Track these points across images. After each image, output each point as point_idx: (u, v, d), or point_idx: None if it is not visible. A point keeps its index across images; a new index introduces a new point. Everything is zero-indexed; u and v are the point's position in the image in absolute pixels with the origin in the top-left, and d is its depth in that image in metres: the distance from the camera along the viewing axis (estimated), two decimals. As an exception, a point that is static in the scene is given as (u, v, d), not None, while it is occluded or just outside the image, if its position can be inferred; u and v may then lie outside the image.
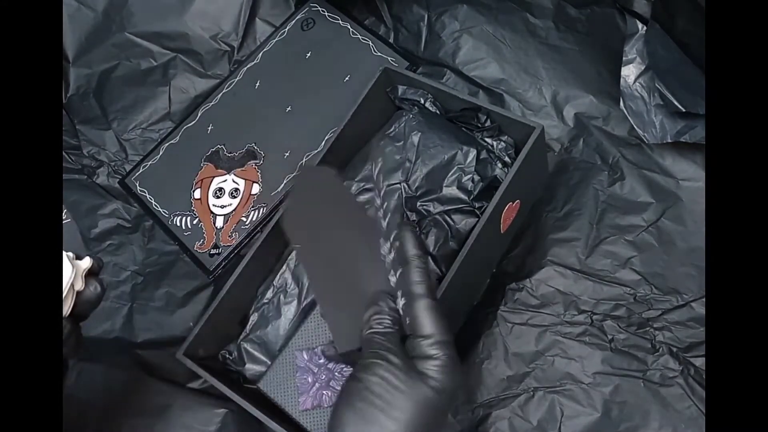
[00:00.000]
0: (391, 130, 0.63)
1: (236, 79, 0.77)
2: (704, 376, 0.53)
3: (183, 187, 0.72)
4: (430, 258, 0.55)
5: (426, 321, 0.39)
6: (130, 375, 0.61)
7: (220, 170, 0.72)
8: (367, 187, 0.60)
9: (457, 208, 0.57)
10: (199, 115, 0.76)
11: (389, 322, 0.40)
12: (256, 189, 0.70)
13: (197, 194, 0.71)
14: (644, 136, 0.61)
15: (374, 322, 0.40)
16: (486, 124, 0.60)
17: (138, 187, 0.73)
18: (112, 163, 0.75)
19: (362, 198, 0.60)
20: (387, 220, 0.42)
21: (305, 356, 0.55)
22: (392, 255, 0.42)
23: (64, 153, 0.75)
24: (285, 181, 0.70)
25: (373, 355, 0.38)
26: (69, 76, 0.75)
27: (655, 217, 0.60)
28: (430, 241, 0.56)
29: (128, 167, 0.75)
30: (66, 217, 0.49)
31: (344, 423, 0.37)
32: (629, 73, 0.62)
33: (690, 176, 0.60)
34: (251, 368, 0.59)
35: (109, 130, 0.76)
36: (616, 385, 0.54)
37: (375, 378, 0.37)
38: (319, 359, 0.55)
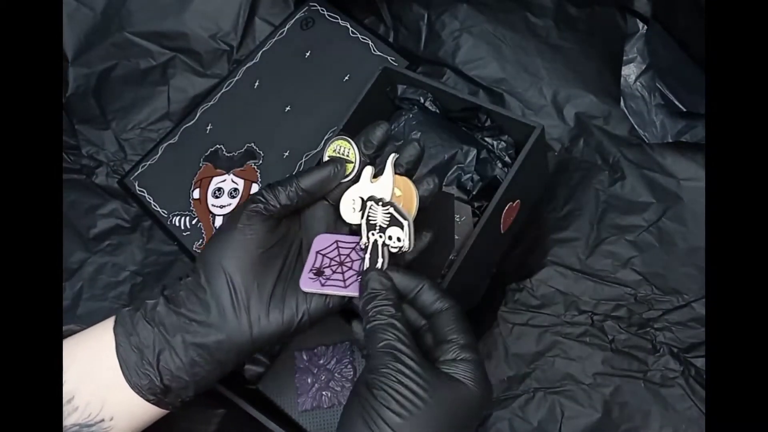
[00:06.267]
0: (391, 129, 0.63)
1: (235, 79, 0.77)
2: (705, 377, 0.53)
3: (182, 187, 0.72)
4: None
5: (455, 326, 0.38)
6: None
7: (219, 170, 0.72)
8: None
9: (457, 208, 0.57)
10: (198, 114, 0.76)
11: (391, 309, 0.38)
12: (255, 189, 0.70)
13: (196, 194, 0.71)
14: (645, 135, 0.61)
15: (374, 311, 0.38)
16: (486, 124, 0.60)
17: (137, 187, 0.73)
18: (111, 163, 0.75)
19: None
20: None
21: (305, 357, 0.55)
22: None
23: (63, 153, 0.74)
24: (284, 181, 0.70)
25: (385, 356, 0.35)
26: (68, 76, 0.75)
27: (655, 217, 0.59)
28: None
29: (127, 167, 0.74)
30: None
31: None
32: (630, 72, 0.62)
33: (691, 176, 0.60)
34: (251, 369, 0.59)
35: (108, 129, 0.76)
36: (617, 386, 0.54)
37: (395, 386, 0.34)
38: (319, 360, 0.55)
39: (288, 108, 0.74)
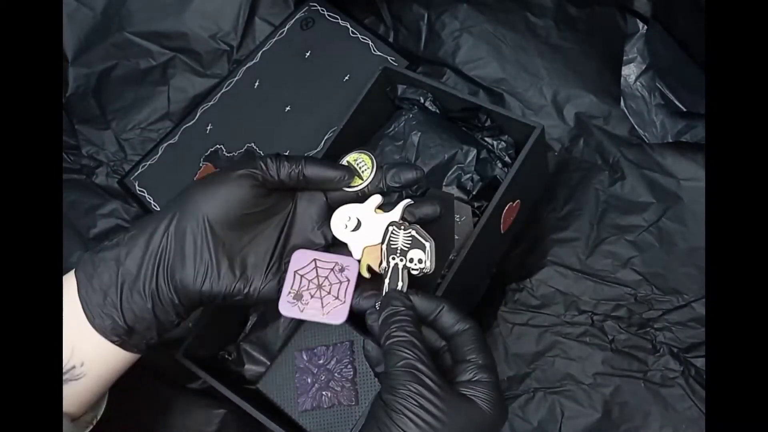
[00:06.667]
0: (391, 129, 0.63)
1: (235, 79, 0.77)
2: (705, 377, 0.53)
3: (182, 187, 0.71)
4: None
5: (474, 346, 0.38)
6: (129, 375, 0.61)
7: (219, 170, 0.72)
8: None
9: (457, 208, 0.57)
10: (198, 114, 0.76)
11: (411, 326, 0.38)
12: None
13: (196, 194, 0.71)
14: (645, 135, 0.61)
15: (394, 328, 0.37)
16: (486, 124, 0.60)
17: (137, 187, 0.73)
18: (111, 163, 0.75)
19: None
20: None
21: (305, 357, 0.55)
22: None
23: (63, 153, 0.74)
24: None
25: (404, 375, 0.35)
26: (68, 76, 0.75)
27: (655, 217, 0.59)
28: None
29: (127, 167, 0.74)
30: None
31: None
32: (630, 72, 0.62)
33: (691, 176, 0.60)
34: (250, 369, 0.59)
35: (108, 129, 0.76)
36: (617, 386, 0.54)
37: (413, 406, 0.34)
38: (319, 360, 0.55)
39: (288, 108, 0.74)
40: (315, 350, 0.55)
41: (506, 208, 0.56)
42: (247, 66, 0.77)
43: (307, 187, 0.45)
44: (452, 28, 0.72)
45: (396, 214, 0.43)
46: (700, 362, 0.53)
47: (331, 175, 0.44)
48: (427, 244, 0.41)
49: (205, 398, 0.60)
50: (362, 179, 0.45)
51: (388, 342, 0.37)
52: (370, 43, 0.75)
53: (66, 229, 0.68)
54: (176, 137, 0.75)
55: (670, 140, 0.59)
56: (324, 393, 0.54)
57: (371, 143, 0.63)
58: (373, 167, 0.45)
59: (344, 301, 0.43)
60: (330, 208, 0.46)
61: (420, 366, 0.36)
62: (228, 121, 0.75)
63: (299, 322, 0.57)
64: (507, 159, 0.60)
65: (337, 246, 0.45)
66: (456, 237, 0.54)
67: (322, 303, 0.43)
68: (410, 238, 0.42)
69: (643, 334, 0.55)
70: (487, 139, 0.60)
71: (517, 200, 0.57)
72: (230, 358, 0.59)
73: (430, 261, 0.42)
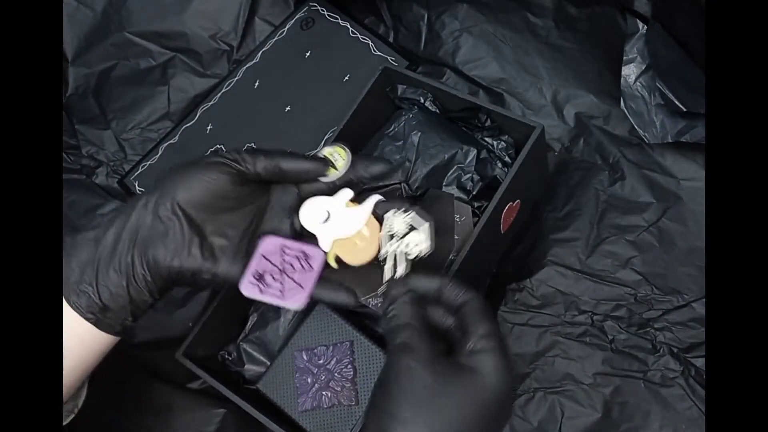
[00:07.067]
0: (391, 129, 0.63)
1: (235, 79, 0.77)
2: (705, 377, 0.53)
3: (182, 186, 0.72)
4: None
5: (475, 317, 0.38)
6: (129, 375, 0.61)
7: (219, 170, 0.72)
8: (366, 187, 0.60)
9: (457, 208, 0.57)
10: (198, 114, 0.76)
11: (408, 309, 0.39)
12: (255, 189, 0.70)
13: (196, 194, 0.71)
14: (645, 135, 0.61)
15: (392, 314, 0.39)
16: (486, 124, 0.60)
17: (137, 187, 0.73)
18: (111, 163, 0.75)
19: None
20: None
21: (305, 357, 0.55)
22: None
23: (63, 153, 0.74)
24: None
25: (397, 354, 0.36)
26: (68, 76, 0.75)
27: (655, 217, 0.59)
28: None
29: (127, 167, 0.74)
30: None
31: None
32: (630, 72, 0.62)
33: (691, 176, 0.60)
34: (250, 369, 0.59)
35: (108, 129, 0.76)
36: (617, 386, 0.54)
37: (405, 381, 0.35)
38: (319, 360, 0.55)
39: (288, 108, 0.74)
40: (315, 350, 0.55)
41: (506, 208, 0.56)
42: (247, 66, 0.77)
43: (284, 180, 0.46)
44: (452, 28, 0.72)
45: (366, 210, 0.44)
46: (700, 362, 0.53)
47: (307, 166, 0.45)
48: (425, 224, 0.42)
49: (205, 398, 0.60)
50: (337, 170, 0.46)
51: (386, 326, 0.39)
52: (370, 43, 0.75)
53: (66, 229, 0.68)
54: (176, 137, 0.75)
55: (670, 140, 0.59)
56: (324, 393, 0.54)
57: (371, 143, 0.63)
58: (347, 160, 0.46)
59: (304, 288, 0.43)
60: (301, 200, 0.46)
61: (412, 342, 0.36)
62: (228, 121, 0.75)
63: (299, 323, 0.57)
64: (507, 159, 0.60)
65: (306, 237, 0.46)
66: (456, 237, 0.54)
67: (283, 287, 0.43)
68: (408, 222, 0.42)
69: (643, 334, 0.55)
70: (487, 139, 0.60)
71: (517, 200, 0.58)
72: (230, 358, 0.59)
73: (430, 240, 0.42)
